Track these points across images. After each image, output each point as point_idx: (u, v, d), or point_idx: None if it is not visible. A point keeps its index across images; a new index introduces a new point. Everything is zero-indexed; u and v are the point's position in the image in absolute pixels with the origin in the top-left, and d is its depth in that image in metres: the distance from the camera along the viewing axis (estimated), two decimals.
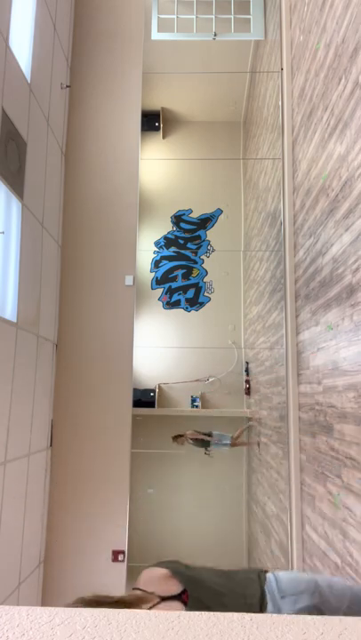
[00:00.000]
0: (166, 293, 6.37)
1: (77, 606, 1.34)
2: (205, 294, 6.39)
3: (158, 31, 5.57)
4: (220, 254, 6.43)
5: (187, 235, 6.40)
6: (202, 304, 6.38)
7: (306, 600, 1.41)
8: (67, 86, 5.06)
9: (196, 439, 6.11)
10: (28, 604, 4.01)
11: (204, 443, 6.19)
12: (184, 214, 6.44)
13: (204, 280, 6.37)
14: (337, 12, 3.15)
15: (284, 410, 4.28)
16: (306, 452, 3.72)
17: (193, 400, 7.41)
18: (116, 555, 4.44)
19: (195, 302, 6.37)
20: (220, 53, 6.23)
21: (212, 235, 6.45)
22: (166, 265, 6.35)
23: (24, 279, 3.86)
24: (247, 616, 0.81)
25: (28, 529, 3.99)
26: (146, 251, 6.23)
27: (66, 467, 4.58)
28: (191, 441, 6.11)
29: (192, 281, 6.38)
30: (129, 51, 5.26)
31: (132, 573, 4.87)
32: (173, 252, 6.37)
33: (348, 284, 2.80)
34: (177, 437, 6.15)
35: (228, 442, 6.25)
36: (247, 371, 7.48)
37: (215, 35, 5.60)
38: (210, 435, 6.16)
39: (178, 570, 1.49)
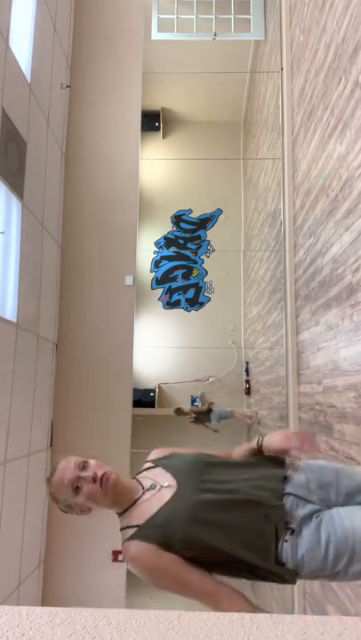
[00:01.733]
0: (166, 293, 6.36)
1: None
2: (205, 294, 6.39)
3: (158, 31, 5.57)
4: (220, 254, 6.43)
5: (187, 235, 6.40)
6: (202, 304, 6.38)
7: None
8: (67, 86, 5.06)
9: (198, 413, 6.36)
10: (28, 603, 4.01)
11: (204, 417, 6.41)
12: (184, 214, 6.44)
13: (204, 280, 6.37)
14: (337, 12, 3.15)
15: (284, 410, 4.28)
16: None
17: (193, 400, 7.40)
18: (116, 555, 4.44)
19: (195, 302, 6.37)
20: (220, 53, 6.23)
21: (212, 235, 6.45)
22: (166, 265, 6.35)
23: (24, 279, 3.86)
24: (247, 616, 0.81)
25: (28, 529, 3.99)
26: (146, 251, 6.23)
27: None
28: (194, 415, 6.38)
29: (192, 281, 6.37)
30: (129, 51, 5.26)
31: (132, 574, 4.86)
32: (173, 252, 6.37)
33: (348, 284, 2.80)
34: (180, 412, 6.43)
35: (228, 414, 6.47)
36: (247, 371, 7.47)
37: (215, 35, 5.60)
38: (210, 410, 6.36)
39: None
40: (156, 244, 6.38)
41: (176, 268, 6.39)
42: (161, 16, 5.60)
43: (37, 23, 4.24)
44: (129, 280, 4.89)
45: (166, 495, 1.29)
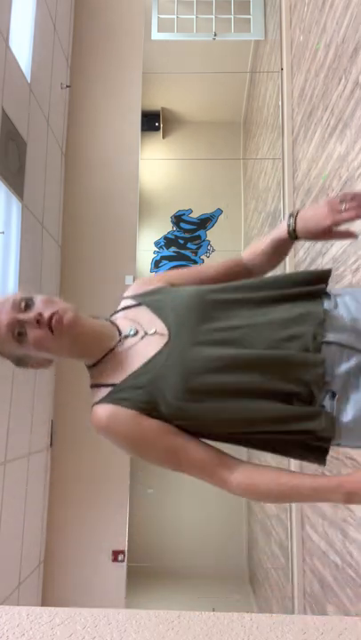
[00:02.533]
0: None
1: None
2: None
3: (158, 31, 5.56)
4: (220, 254, 6.43)
5: (187, 235, 6.40)
6: None
7: None
8: (67, 86, 5.06)
9: None
10: (28, 604, 4.01)
11: None
12: (184, 214, 6.44)
13: None
14: (337, 12, 3.15)
15: None
16: None
17: None
18: (116, 555, 4.44)
19: None
20: (220, 53, 6.22)
21: (212, 235, 6.45)
22: (166, 265, 6.35)
23: (24, 279, 3.86)
24: (247, 616, 0.81)
25: (28, 529, 3.99)
26: (146, 251, 6.23)
27: (66, 467, 4.58)
28: None
29: None
30: (129, 51, 5.26)
31: (132, 573, 4.86)
32: (173, 252, 6.37)
33: (348, 285, 2.81)
34: None
35: None
36: None
37: (215, 35, 5.59)
38: None
39: None
40: (156, 244, 6.38)
41: (176, 268, 6.38)
42: (161, 16, 5.60)
43: (37, 23, 4.24)
44: (129, 280, 4.88)
45: (153, 346, 0.93)
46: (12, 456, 3.62)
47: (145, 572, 6.49)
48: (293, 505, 3.91)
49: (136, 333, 0.96)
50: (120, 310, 1.05)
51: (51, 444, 4.58)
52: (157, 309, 0.98)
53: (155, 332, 0.94)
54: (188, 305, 0.95)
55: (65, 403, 4.67)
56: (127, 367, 0.94)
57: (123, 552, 4.46)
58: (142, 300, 1.02)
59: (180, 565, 6.84)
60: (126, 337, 0.97)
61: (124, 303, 1.07)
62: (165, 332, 0.94)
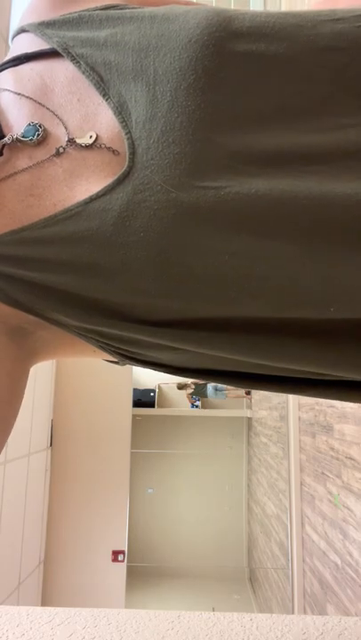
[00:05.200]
0: None
1: None
2: None
3: None
4: None
5: None
6: None
7: None
8: None
9: (197, 384, 7.15)
10: (28, 604, 4.01)
11: (203, 388, 7.19)
12: None
13: None
14: None
15: (284, 410, 4.29)
16: (306, 451, 3.73)
17: (194, 400, 7.43)
18: (116, 555, 4.45)
19: None
20: None
21: None
22: None
23: None
24: (247, 616, 0.81)
25: (28, 529, 3.99)
26: None
27: (66, 467, 4.58)
28: (193, 386, 7.08)
29: None
30: None
31: (132, 573, 4.87)
32: None
33: None
34: (180, 385, 7.14)
35: (224, 390, 7.22)
36: None
37: None
38: (206, 383, 7.19)
39: None
40: None
41: None
42: None
43: None
44: None
45: (86, 177, 0.36)
46: (12, 456, 3.62)
47: (145, 572, 6.50)
48: (293, 505, 3.92)
49: (44, 138, 0.37)
50: (6, 66, 0.42)
51: (51, 444, 4.58)
52: (106, 74, 0.38)
53: (94, 142, 0.37)
54: (188, 68, 0.36)
55: (65, 403, 4.67)
56: (12, 215, 0.37)
57: (123, 552, 4.46)
58: (68, 40, 0.40)
59: (180, 565, 6.85)
60: (19, 143, 0.37)
61: (19, 44, 0.43)
62: (123, 144, 0.36)
